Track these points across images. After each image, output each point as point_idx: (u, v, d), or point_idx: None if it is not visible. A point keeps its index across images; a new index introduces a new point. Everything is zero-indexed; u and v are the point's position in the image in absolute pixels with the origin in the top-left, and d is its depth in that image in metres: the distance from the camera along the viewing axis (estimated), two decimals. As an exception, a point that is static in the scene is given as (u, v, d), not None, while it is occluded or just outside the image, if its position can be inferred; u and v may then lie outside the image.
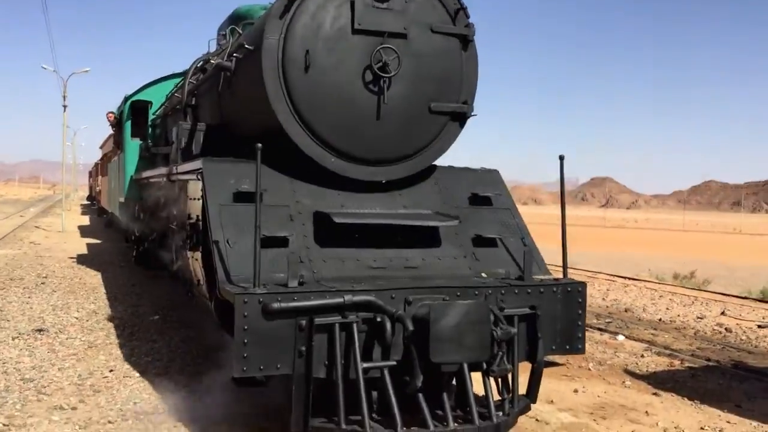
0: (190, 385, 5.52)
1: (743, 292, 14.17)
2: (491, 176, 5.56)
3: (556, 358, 6.09)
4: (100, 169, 28.05)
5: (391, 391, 3.92)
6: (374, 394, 4.12)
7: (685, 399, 6.02)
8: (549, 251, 5.78)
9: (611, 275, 16.32)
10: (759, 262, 25.11)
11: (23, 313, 8.50)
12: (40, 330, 7.51)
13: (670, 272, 17.64)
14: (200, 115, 6.92)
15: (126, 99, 11.81)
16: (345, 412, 3.85)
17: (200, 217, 5.04)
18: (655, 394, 6.17)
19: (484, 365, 4.21)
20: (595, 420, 5.36)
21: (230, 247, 4.24)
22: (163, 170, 7.36)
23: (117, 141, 13.36)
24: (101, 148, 25.87)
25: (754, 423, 5.43)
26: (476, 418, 4.04)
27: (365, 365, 3.93)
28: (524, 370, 4.51)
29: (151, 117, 11.26)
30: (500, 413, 4.20)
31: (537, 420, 5.13)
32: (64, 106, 28.93)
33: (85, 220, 31.67)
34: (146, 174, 9.43)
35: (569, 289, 4.62)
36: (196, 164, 5.02)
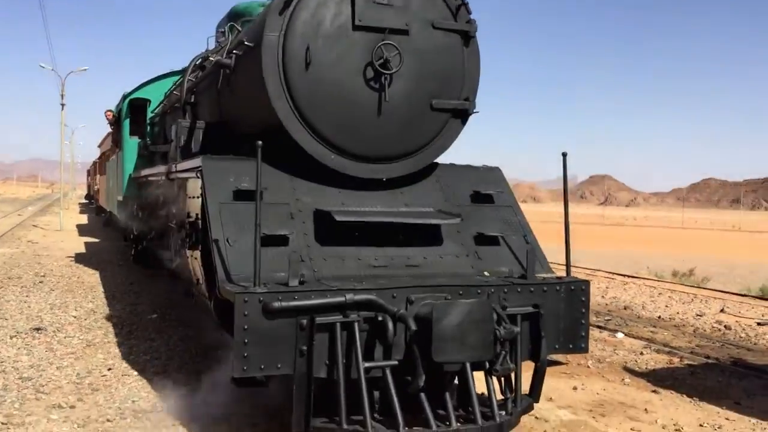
0: (189, 383, 5.51)
1: (742, 289, 14.17)
2: (493, 174, 5.52)
3: (560, 358, 6.07)
4: (98, 167, 28.01)
5: (393, 391, 3.88)
6: (376, 393, 4.08)
7: (684, 396, 6.02)
8: (548, 249, 5.76)
9: (610, 273, 16.32)
10: (758, 259, 25.13)
11: (21, 311, 8.48)
12: (38, 329, 7.49)
13: (669, 270, 17.64)
14: (199, 113, 6.88)
15: (124, 97, 11.78)
16: (346, 412, 3.82)
17: (199, 216, 5.00)
18: (654, 391, 6.17)
19: (487, 364, 4.18)
20: (594, 417, 5.35)
21: (230, 246, 4.20)
22: (162, 168, 7.34)
23: (115, 139, 13.33)
24: (99, 146, 25.83)
25: (753, 420, 5.42)
26: (479, 417, 4.01)
27: (367, 365, 3.89)
28: (527, 369, 4.49)
29: (149, 115, 11.23)
30: (503, 413, 4.17)
31: (536, 417, 5.12)
32: (62, 105, 28.92)
33: (84, 219, 31.63)
34: (145, 172, 9.40)
35: (572, 287, 4.59)
36: (196, 162, 4.98)
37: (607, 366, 7.01)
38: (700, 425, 5.28)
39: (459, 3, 5.08)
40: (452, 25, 5.07)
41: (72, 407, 5.06)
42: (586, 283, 4.69)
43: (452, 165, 5.48)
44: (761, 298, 12.76)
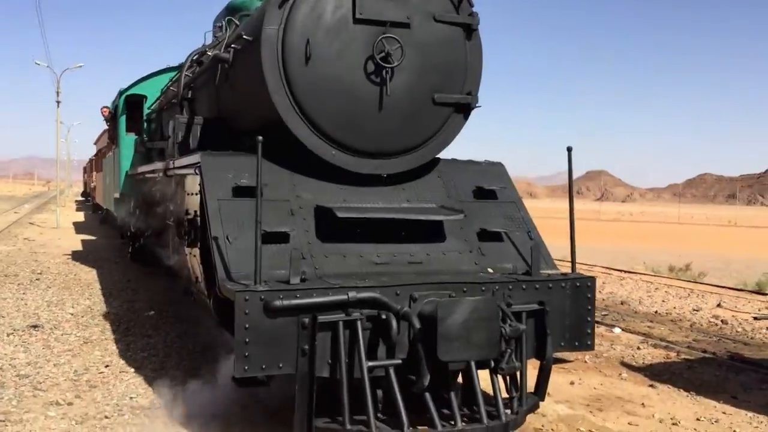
0: (187, 380, 5.50)
1: (739, 284, 14.20)
2: (496, 169, 5.45)
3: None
4: (94, 165, 27.95)
5: (396, 390, 3.84)
6: (379, 393, 4.03)
7: (682, 391, 6.03)
8: (548, 246, 5.76)
9: (607, 268, 16.33)
10: (754, 254, 25.19)
11: (18, 309, 8.46)
12: (35, 326, 7.48)
13: (665, 265, 17.67)
14: (197, 109, 6.81)
15: (120, 93, 11.73)
16: (349, 412, 3.77)
17: (198, 213, 4.93)
18: (651, 386, 6.18)
19: (492, 363, 4.12)
20: (591, 412, 5.36)
21: (230, 244, 4.13)
22: (159, 165, 7.27)
23: (111, 136, 13.29)
24: (95, 143, 25.78)
25: (750, 414, 5.44)
26: (485, 417, 3.96)
27: (370, 364, 3.84)
28: (532, 367, 4.45)
29: (146, 111, 11.17)
30: (509, 412, 4.12)
31: (534, 413, 5.13)
32: (58, 102, 28.80)
33: (80, 217, 31.55)
34: (142, 169, 9.34)
35: (578, 284, 4.54)
36: (194, 158, 4.90)
37: (605, 361, 7.02)
38: (697, 419, 5.29)
39: None
40: (454, 17, 5.00)
41: (70, 404, 5.06)
42: (592, 279, 4.64)
43: (454, 160, 5.42)
44: (758, 292, 12.78)
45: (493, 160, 5.57)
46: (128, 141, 11.47)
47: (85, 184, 47.07)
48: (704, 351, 7.62)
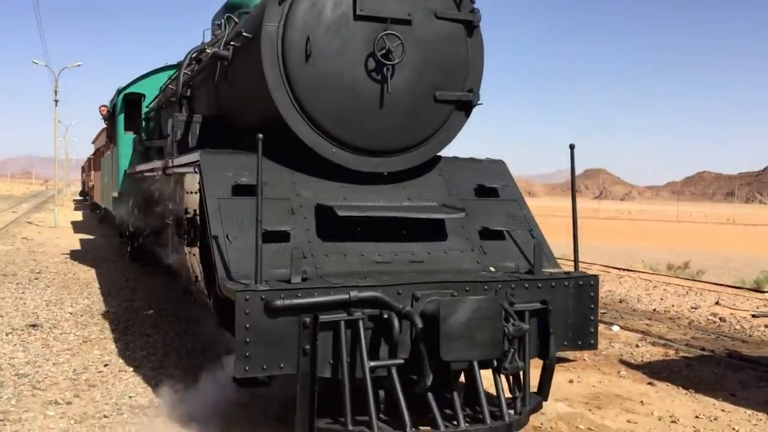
0: (186, 379, 5.50)
1: (737, 282, 14.21)
2: (497, 167, 5.42)
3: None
4: (92, 164, 27.89)
5: (399, 390, 3.80)
6: (381, 393, 4.00)
7: (680, 388, 6.03)
8: (549, 244, 5.76)
9: (605, 266, 16.34)
10: (753, 252, 25.23)
11: (17, 308, 8.45)
12: (33, 325, 7.47)
13: (664, 263, 17.69)
14: (196, 107, 6.77)
15: (119, 92, 11.69)
16: (351, 413, 3.74)
17: (198, 212, 4.90)
18: (650, 383, 6.18)
19: (495, 363, 4.09)
20: (590, 410, 5.36)
21: (230, 243, 4.09)
22: (158, 164, 7.23)
23: (110, 135, 13.27)
24: (94, 142, 25.74)
25: (749, 411, 5.44)
26: (488, 417, 3.93)
27: (372, 364, 3.81)
28: (535, 366, 4.43)
29: (144, 110, 11.15)
30: (512, 412, 4.09)
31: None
32: (56, 101, 28.78)
33: (78, 216, 31.51)
34: (141, 168, 9.32)
35: (581, 282, 4.50)
36: (194, 156, 4.87)
37: (603, 359, 7.03)
38: (696, 417, 5.29)
39: None
40: (455, 14, 4.95)
41: (69, 403, 5.06)
42: (595, 278, 4.60)
43: (456, 158, 5.38)
44: (756, 290, 12.80)
45: (495, 158, 5.54)
46: (127, 140, 11.44)
47: (84, 183, 47.02)
48: (703, 349, 7.63)
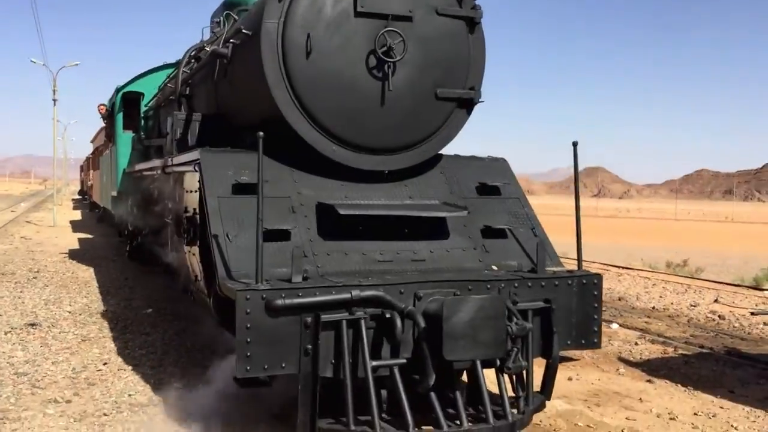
0: (185, 377, 5.50)
1: (736, 279, 14.23)
2: (499, 165, 5.38)
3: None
4: (91, 163, 27.86)
5: (401, 390, 3.77)
6: (384, 393, 3.97)
7: (679, 385, 6.04)
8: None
9: (604, 264, 16.36)
10: (751, 250, 25.26)
11: (15, 307, 8.45)
12: (32, 324, 7.47)
13: (663, 261, 17.71)
14: (195, 105, 6.74)
15: (117, 90, 11.67)
16: (353, 413, 3.71)
17: (197, 211, 4.86)
18: (648, 381, 6.19)
19: (498, 362, 4.06)
20: (589, 407, 5.36)
21: (230, 242, 4.06)
22: (157, 162, 7.20)
23: (108, 134, 13.25)
24: (92, 141, 25.70)
25: (747, 408, 5.45)
26: (491, 416, 3.90)
27: (374, 363, 3.78)
28: (538, 365, 4.40)
29: (143, 108, 11.13)
30: (515, 411, 4.06)
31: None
32: (54, 100, 28.74)
33: (77, 215, 31.47)
34: (140, 167, 9.29)
35: (584, 281, 4.47)
36: (193, 155, 4.82)
37: (602, 356, 7.03)
38: (695, 414, 5.30)
39: None
40: (457, 11, 4.91)
41: (68, 402, 5.06)
42: (599, 276, 4.57)
43: (457, 156, 5.34)
44: (754, 288, 12.81)
45: (496, 156, 5.50)
46: (125, 138, 11.42)
47: (82, 182, 46.98)
48: (701, 346, 7.64)
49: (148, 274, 10.71)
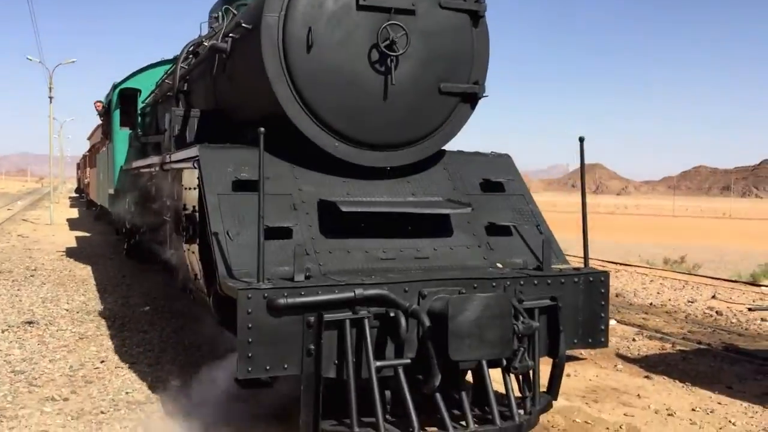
0: (183, 375, 5.49)
1: (733, 275, 14.26)
2: (503, 161, 5.30)
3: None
4: (88, 160, 27.77)
5: (406, 391, 3.71)
6: (388, 393, 3.89)
7: (677, 381, 6.04)
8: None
9: (602, 261, 16.38)
10: (749, 246, 25.31)
11: (12, 305, 8.43)
12: (29, 322, 7.45)
13: (660, 257, 17.73)
14: (193, 101, 6.67)
15: (114, 87, 11.60)
16: (357, 414, 3.64)
17: (196, 208, 4.77)
18: (646, 377, 6.18)
19: (504, 362, 3.99)
20: (587, 403, 5.36)
21: (230, 240, 3.97)
22: (155, 159, 7.11)
23: (105, 131, 13.18)
24: (89, 139, 25.60)
25: (745, 404, 5.45)
26: (497, 417, 3.83)
27: (378, 363, 3.70)
28: (544, 364, 4.35)
29: (140, 105, 11.06)
30: (522, 412, 4.00)
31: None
32: (50, 98, 28.63)
33: (74, 213, 31.40)
34: (137, 164, 9.23)
35: (591, 279, 4.41)
36: (192, 152, 4.72)
37: (600, 352, 7.01)
38: (693, 410, 5.29)
39: None
40: (461, 4, 4.82)
41: (65, 400, 5.05)
42: (606, 274, 4.50)
43: (460, 152, 5.26)
44: (752, 284, 12.84)
45: (500, 152, 5.43)
46: (122, 135, 11.36)
47: (79, 180, 46.85)
48: (699, 342, 7.64)
49: (145, 272, 10.68)
